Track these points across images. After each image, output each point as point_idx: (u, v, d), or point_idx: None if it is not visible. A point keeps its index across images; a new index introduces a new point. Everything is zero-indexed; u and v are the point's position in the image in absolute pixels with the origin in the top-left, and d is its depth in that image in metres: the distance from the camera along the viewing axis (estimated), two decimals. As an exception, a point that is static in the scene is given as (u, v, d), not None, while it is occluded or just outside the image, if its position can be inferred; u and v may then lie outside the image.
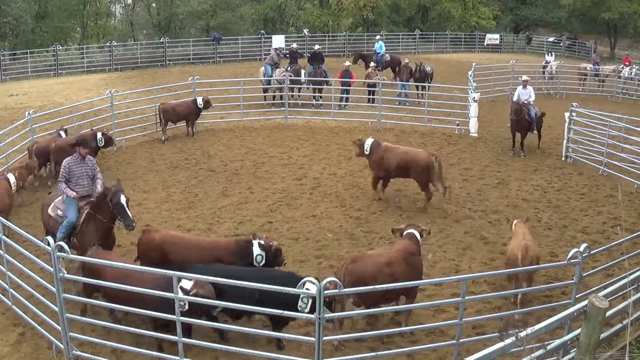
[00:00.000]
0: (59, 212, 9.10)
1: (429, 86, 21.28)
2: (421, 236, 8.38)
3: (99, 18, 39.64)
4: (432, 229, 11.19)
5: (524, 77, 16.86)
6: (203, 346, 7.32)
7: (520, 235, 8.97)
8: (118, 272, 7.40)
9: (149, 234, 8.77)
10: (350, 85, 20.81)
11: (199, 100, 17.14)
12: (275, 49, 22.66)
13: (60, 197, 9.18)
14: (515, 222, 9.62)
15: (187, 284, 6.96)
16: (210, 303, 7.13)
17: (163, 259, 8.43)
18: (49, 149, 13.64)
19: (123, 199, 8.63)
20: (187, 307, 6.93)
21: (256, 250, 8.33)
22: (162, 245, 8.55)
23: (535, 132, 16.09)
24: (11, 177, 12.01)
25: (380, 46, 25.89)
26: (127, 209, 8.68)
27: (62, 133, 14.69)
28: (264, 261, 8.36)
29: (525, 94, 16.09)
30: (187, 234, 10.15)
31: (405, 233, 8.37)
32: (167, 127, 16.93)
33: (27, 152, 14.05)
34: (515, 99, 16.21)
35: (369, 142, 12.58)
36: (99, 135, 14.25)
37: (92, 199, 8.97)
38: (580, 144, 15.54)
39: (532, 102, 15.97)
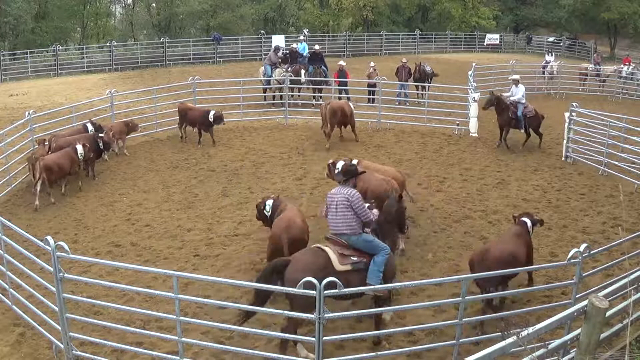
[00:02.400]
0: (354, 259, 7.34)
1: (429, 86, 21.28)
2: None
3: (99, 18, 39.62)
4: (432, 229, 11.24)
5: (515, 76, 17.15)
6: (203, 346, 7.33)
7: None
8: None
9: None
10: (347, 85, 20.84)
11: (211, 114, 16.38)
12: (274, 49, 22.53)
13: (336, 247, 7.38)
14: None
15: None
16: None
17: None
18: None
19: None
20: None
21: None
22: None
23: (522, 130, 16.31)
24: (79, 148, 13.08)
25: (303, 47, 24.42)
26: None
27: (89, 126, 14.60)
28: None
29: (516, 92, 16.37)
30: None
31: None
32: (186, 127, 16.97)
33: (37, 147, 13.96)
34: (507, 95, 16.52)
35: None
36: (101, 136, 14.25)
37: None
38: (580, 144, 15.54)
39: (517, 101, 16.16)
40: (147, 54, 32.32)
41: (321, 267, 7.11)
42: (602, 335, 5.73)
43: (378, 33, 37.54)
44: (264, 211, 9.67)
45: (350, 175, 7.80)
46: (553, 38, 40.84)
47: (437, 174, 14.44)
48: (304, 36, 27.72)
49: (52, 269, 7.10)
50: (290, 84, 19.45)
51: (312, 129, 18.09)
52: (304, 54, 23.33)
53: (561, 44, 38.83)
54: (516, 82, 16.53)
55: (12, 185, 13.37)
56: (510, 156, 15.89)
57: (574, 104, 15.90)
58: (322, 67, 21.41)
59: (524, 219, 8.82)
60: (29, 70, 28.84)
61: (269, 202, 9.68)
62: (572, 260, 7.24)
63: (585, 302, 5.43)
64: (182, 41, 34.34)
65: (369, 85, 21.07)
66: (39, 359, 7.54)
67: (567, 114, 15.59)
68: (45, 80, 27.74)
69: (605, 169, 14.50)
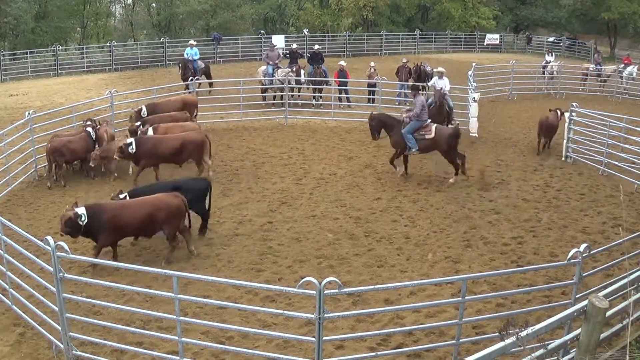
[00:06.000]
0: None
1: (429, 86, 21.25)
2: None
3: (99, 18, 39.60)
4: (432, 229, 11.23)
5: (440, 69, 17.62)
6: (203, 346, 7.33)
7: None
8: None
9: None
10: (347, 85, 20.82)
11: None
12: (268, 47, 22.25)
13: None
14: None
15: None
16: None
17: None
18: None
19: None
20: None
21: None
22: None
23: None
24: (150, 131, 14.15)
25: (195, 52, 22.83)
26: None
27: (90, 130, 14.24)
28: None
29: (441, 84, 16.76)
30: None
31: None
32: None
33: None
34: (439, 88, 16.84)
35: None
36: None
37: None
38: (580, 144, 15.54)
39: (447, 92, 16.65)
40: (147, 54, 32.31)
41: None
42: (602, 335, 5.72)
43: (378, 33, 37.54)
44: (79, 222, 9.39)
45: (417, 89, 14.31)
46: (553, 38, 40.83)
47: (437, 174, 14.44)
48: (194, 40, 26.04)
49: (52, 269, 7.10)
50: (290, 84, 19.46)
51: (312, 129, 18.10)
52: (196, 60, 22.23)
53: (561, 44, 38.83)
54: (441, 74, 17.06)
55: (12, 185, 13.36)
56: (510, 156, 15.89)
57: (574, 104, 15.92)
58: (322, 67, 21.41)
59: (555, 110, 16.13)
60: (29, 70, 28.83)
61: (82, 211, 9.44)
62: (572, 260, 7.23)
63: (585, 302, 5.43)
64: (182, 41, 34.24)
65: (369, 85, 21.08)
66: (39, 359, 7.53)
67: (567, 114, 15.59)
68: (45, 80, 27.73)
69: (605, 169, 14.51)
